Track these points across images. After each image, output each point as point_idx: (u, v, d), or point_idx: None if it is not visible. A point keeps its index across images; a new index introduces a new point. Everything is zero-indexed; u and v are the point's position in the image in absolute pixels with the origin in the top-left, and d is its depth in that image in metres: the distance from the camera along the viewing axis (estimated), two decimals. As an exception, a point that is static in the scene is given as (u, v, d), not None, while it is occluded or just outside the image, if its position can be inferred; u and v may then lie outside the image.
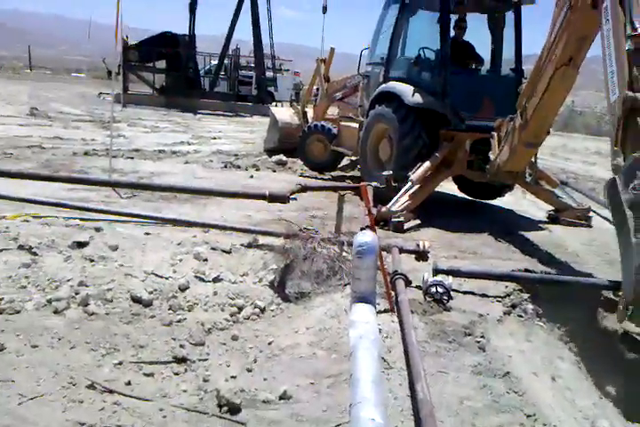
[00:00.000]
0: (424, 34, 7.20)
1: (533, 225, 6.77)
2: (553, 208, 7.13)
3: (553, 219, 7.02)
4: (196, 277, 4.18)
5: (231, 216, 5.73)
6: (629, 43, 3.59)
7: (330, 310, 3.72)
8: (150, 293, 3.86)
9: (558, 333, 3.91)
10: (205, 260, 4.43)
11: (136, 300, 3.76)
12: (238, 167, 9.31)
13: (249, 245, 4.74)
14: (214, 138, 13.41)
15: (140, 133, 13.11)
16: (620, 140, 3.48)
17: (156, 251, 4.46)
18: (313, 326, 3.60)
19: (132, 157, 9.42)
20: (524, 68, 7.10)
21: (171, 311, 3.75)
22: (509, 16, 7.15)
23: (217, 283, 4.14)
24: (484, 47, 7.47)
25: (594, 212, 7.05)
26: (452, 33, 7.01)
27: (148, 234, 4.79)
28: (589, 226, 6.78)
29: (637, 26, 3.61)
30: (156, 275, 4.10)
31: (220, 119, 19.99)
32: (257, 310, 3.86)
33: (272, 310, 3.91)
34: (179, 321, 3.65)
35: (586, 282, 4.40)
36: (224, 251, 4.61)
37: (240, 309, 3.85)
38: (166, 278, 4.09)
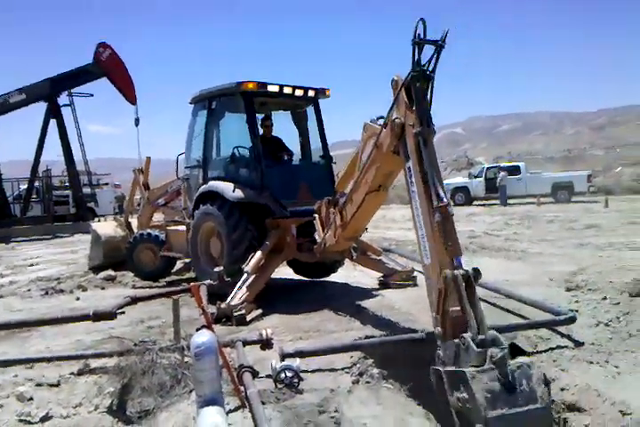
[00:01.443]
0: (235, 134, 7.58)
1: (367, 293, 7.14)
2: (382, 274, 7.64)
3: (383, 284, 7.51)
4: (21, 420, 3.71)
5: (58, 345, 5.23)
6: (437, 214, 3.52)
7: (176, 423, 3.48)
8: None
9: (405, 390, 4.06)
10: (30, 399, 3.97)
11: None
12: (61, 291, 8.58)
13: (80, 373, 4.34)
14: (31, 265, 12.34)
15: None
16: (441, 313, 3.39)
17: (-32, 401, 3.88)
18: (161, 443, 3.33)
19: None
20: (332, 153, 7.85)
21: (-8, 468, 3.24)
22: (311, 110, 7.86)
23: (46, 422, 3.71)
24: (294, 139, 8.09)
25: (417, 271, 7.67)
26: (261, 131, 7.52)
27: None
28: (415, 285, 7.34)
29: (442, 195, 3.56)
30: (-31, 429, 3.56)
31: (37, 244, 18.56)
32: (96, 441, 3.50)
33: (114, 438, 3.56)
34: (2, 477, 3.16)
35: (412, 338, 4.62)
36: (51, 385, 4.16)
37: (76, 445, 3.46)
38: (-17, 431, 3.56)
